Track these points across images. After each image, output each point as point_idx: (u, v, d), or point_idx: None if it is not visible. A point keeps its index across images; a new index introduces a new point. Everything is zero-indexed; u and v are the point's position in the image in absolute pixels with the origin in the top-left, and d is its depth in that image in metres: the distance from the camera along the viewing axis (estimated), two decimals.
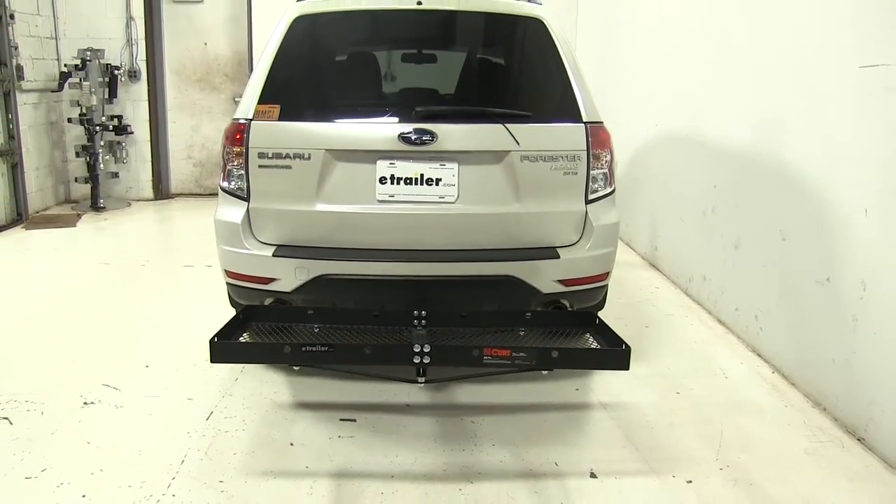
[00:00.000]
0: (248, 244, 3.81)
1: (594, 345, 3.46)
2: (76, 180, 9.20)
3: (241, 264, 3.85)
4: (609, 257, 4.00)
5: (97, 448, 3.41)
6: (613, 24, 8.16)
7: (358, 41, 4.39)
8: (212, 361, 3.05)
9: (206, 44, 9.67)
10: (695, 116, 5.92)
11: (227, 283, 3.99)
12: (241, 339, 3.38)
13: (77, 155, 8.96)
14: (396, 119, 3.81)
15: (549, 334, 3.64)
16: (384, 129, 3.75)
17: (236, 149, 3.80)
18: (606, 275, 4.04)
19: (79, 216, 8.58)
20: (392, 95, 5.49)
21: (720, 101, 5.44)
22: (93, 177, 8.95)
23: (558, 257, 3.82)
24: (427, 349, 3.04)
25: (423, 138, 3.70)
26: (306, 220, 3.82)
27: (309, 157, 3.73)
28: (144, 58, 9.38)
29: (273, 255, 3.76)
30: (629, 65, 7.59)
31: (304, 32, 3.95)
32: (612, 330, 3.38)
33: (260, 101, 3.80)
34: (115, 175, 9.45)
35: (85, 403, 3.84)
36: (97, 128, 8.80)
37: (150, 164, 9.70)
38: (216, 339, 3.07)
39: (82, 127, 8.82)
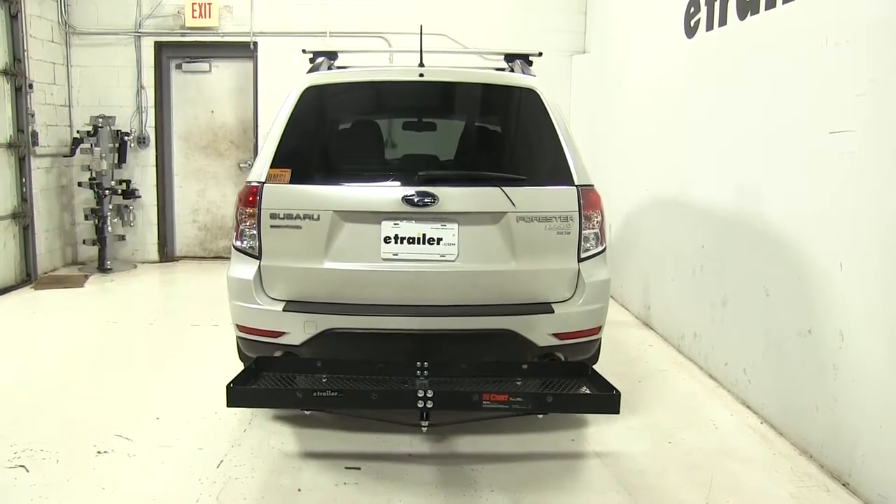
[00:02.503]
0: (260, 300, 4.01)
1: (583, 390, 3.65)
2: (84, 242, 9.38)
3: (252, 319, 4.04)
4: (601, 312, 4.20)
5: (112, 494, 3.56)
6: (605, 95, 8.44)
7: (364, 110, 4.68)
8: (228, 405, 3.25)
9: (212, 112, 9.94)
10: (682, 182, 6.14)
11: (238, 337, 4.18)
12: (254, 386, 3.57)
13: (86, 218, 9.14)
14: (400, 182, 4.03)
15: (543, 384, 3.82)
16: (389, 192, 3.98)
17: (249, 210, 4.02)
18: (599, 329, 4.23)
19: (86, 277, 8.75)
20: (396, 161, 5.74)
21: (703, 168, 5.68)
22: (100, 239, 9.13)
23: (553, 312, 4.02)
24: (430, 394, 3.24)
25: (426, 200, 3.93)
26: (315, 277, 4.02)
27: (318, 218, 3.95)
28: (153, 125, 9.64)
29: (283, 310, 3.95)
30: (620, 134, 7.85)
31: (314, 101, 4.21)
32: (603, 378, 3.57)
33: (272, 165, 4.03)
34: (122, 238, 9.61)
35: (99, 452, 3.99)
36: (106, 191, 8.99)
37: (156, 227, 9.85)
38: (232, 385, 3.26)
39: (92, 191, 9.01)
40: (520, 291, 4.11)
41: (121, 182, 9.30)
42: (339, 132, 4.53)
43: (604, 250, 4.24)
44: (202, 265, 9.86)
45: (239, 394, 3.28)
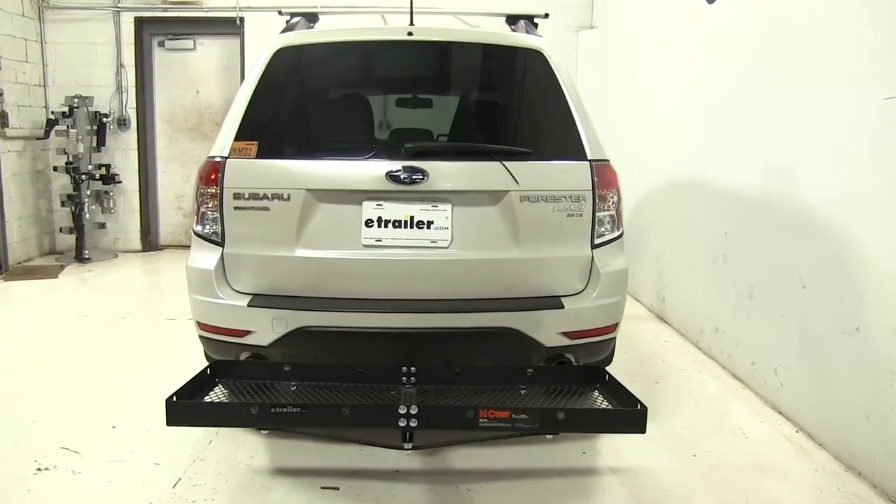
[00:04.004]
0: (222, 293, 3.50)
1: (604, 404, 3.10)
2: (61, 230, 8.90)
3: (213, 315, 3.53)
4: (618, 307, 3.68)
5: None
6: (614, 73, 7.95)
7: (343, 74, 4.11)
8: (168, 424, 2.70)
9: (197, 92, 9.45)
10: (700, 163, 5.68)
11: (200, 337, 3.66)
12: (207, 398, 3.02)
13: (62, 204, 8.67)
14: (384, 156, 3.52)
15: (551, 393, 3.30)
16: (370, 168, 3.46)
17: (210, 189, 3.51)
18: (615, 326, 3.71)
19: (62, 267, 8.27)
20: (379, 132, 5.22)
21: (725, 148, 5.21)
22: (78, 227, 8.64)
23: (562, 307, 3.49)
24: (414, 410, 2.69)
25: (414, 177, 3.40)
26: (285, 267, 3.51)
27: (288, 198, 3.44)
28: (134, 106, 9.15)
29: (248, 305, 3.44)
30: (631, 114, 7.36)
31: (287, 65, 3.70)
32: (624, 387, 3.02)
33: (237, 138, 3.53)
34: (102, 226, 9.16)
35: (39, 469, 3.47)
36: (83, 176, 8.51)
37: (138, 214, 9.40)
38: (174, 399, 2.72)
39: (68, 175, 8.54)
40: (524, 283, 3.58)
41: (100, 166, 8.80)
42: (315, 100, 3.97)
43: (620, 235, 3.71)
44: (187, 254, 9.25)
45: (181, 410, 2.73)
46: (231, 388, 3.21)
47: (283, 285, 3.53)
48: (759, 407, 4.47)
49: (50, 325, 6.06)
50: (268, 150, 3.52)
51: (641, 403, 2.84)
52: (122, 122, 9.10)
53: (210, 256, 3.54)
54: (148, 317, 6.41)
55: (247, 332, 3.45)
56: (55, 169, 8.70)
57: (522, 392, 3.28)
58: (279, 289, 3.53)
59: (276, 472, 3.51)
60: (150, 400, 4.28)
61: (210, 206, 3.52)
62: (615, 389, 3.10)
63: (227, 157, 3.50)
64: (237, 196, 3.47)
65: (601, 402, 3.13)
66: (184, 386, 2.95)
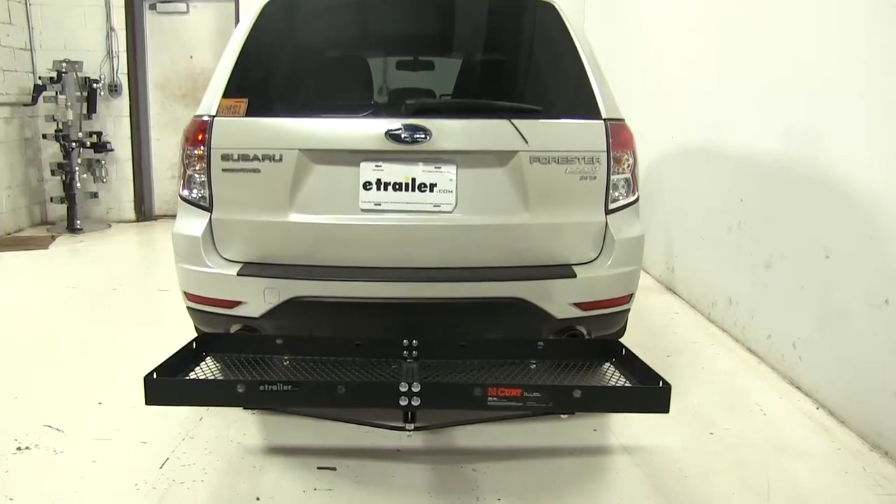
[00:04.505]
0: (210, 261, 3.27)
1: (619, 381, 2.89)
2: (52, 200, 8.68)
3: (201, 285, 3.31)
4: (633, 276, 3.47)
5: None
6: (623, 34, 7.67)
7: (340, 27, 3.84)
8: (147, 403, 2.48)
9: (191, 57, 9.19)
10: (715, 127, 5.42)
11: (188, 308, 3.44)
12: (193, 374, 2.81)
13: (52, 173, 8.47)
14: (383, 114, 3.29)
15: (558, 368, 3.09)
16: (369, 126, 3.21)
17: (197, 150, 3.27)
18: (630, 297, 3.49)
19: (53, 238, 8.05)
20: (379, 88, 4.97)
21: (742, 110, 4.95)
22: (69, 196, 8.43)
23: (574, 276, 3.27)
24: (416, 388, 2.47)
25: (415, 136, 3.16)
26: (277, 234, 3.29)
27: (280, 159, 3.20)
28: (126, 71, 8.92)
29: (238, 275, 3.22)
30: (640, 76, 7.09)
31: (279, 17, 3.48)
32: (643, 363, 2.80)
33: (225, 95, 3.29)
34: (95, 195, 8.96)
35: (19, 449, 3.27)
36: (74, 144, 8.30)
37: (131, 183, 9.21)
38: (154, 376, 2.50)
39: (58, 143, 8.32)
40: (533, 250, 3.35)
41: (91, 134, 8.61)
42: (310, 54, 3.71)
43: (636, 200, 3.49)
44: None
45: (161, 388, 2.51)
46: (220, 362, 3.00)
47: (276, 253, 3.30)
48: (777, 382, 4.27)
49: (38, 297, 5.85)
50: (258, 108, 3.28)
51: (664, 381, 2.62)
52: (114, 89, 8.88)
53: (197, 222, 3.31)
54: (140, 288, 6.20)
55: (237, 303, 3.24)
56: (44, 136, 8.50)
57: (533, 367, 3.07)
58: (271, 256, 3.31)
59: (269, 452, 3.31)
60: (138, 374, 4.01)
61: (197, 168, 3.29)
62: (633, 365, 2.88)
63: (214, 116, 3.27)
64: (225, 157, 3.24)
65: (617, 378, 2.92)
66: (166, 361, 2.72)
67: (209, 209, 3.30)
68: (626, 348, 3.04)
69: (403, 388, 2.48)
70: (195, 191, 3.32)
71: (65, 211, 8.58)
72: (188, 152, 3.31)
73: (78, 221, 8.53)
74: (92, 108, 8.61)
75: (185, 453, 3.25)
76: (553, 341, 3.23)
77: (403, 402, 2.49)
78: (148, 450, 3.28)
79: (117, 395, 3.82)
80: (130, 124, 9.05)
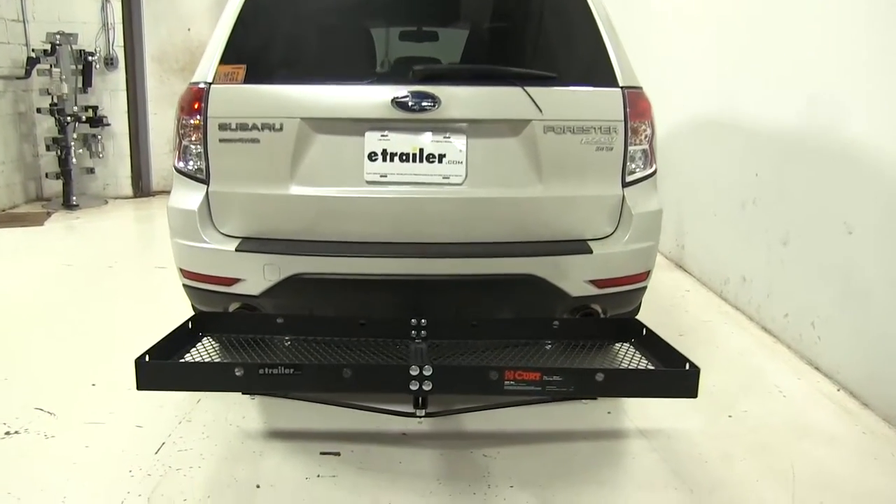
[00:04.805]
0: (207, 236, 3.11)
1: (640, 363, 2.73)
2: (47, 176, 8.50)
3: (198, 261, 3.15)
4: (651, 252, 3.32)
5: (7, 496, 2.68)
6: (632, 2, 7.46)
7: None
8: (139, 388, 2.32)
9: (189, 30, 8.98)
10: (729, 99, 5.25)
11: (184, 286, 3.29)
12: (188, 356, 2.65)
13: (48, 148, 8.27)
14: (389, 81, 3.12)
15: (572, 349, 2.94)
16: (374, 93, 3.04)
17: (193, 120, 3.11)
18: (647, 274, 3.34)
19: (48, 214, 7.88)
20: (385, 51, 4.77)
21: (759, 81, 4.77)
22: (65, 172, 8.25)
23: (591, 252, 3.11)
24: (428, 372, 2.31)
25: (423, 104, 2.99)
26: (278, 207, 3.12)
27: (281, 129, 3.03)
28: (122, 44, 8.68)
29: (236, 250, 3.06)
30: (650, 47, 6.88)
31: None
32: (667, 343, 2.65)
33: (222, 61, 3.12)
34: (91, 171, 8.78)
35: (7, 433, 3.12)
36: (69, 119, 8.10)
37: (128, 159, 9.02)
38: (146, 359, 2.34)
39: (53, 118, 8.12)
40: (547, 225, 3.19)
41: (86, 108, 8.42)
42: (311, 17, 3.51)
43: (654, 173, 3.33)
44: None
45: (153, 372, 2.34)
46: (217, 343, 2.84)
47: (276, 227, 3.14)
48: (794, 362, 4.13)
49: (32, 274, 5.69)
50: (257, 75, 3.11)
51: (691, 363, 2.46)
52: (110, 62, 8.66)
53: (193, 196, 3.15)
54: (137, 265, 6.04)
55: (235, 281, 3.08)
56: (39, 111, 8.28)
57: (548, 347, 2.92)
58: (271, 231, 3.14)
59: (270, 436, 3.16)
60: (133, 355, 3.88)
61: (193, 138, 3.12)
62: (655, 346, 2.73)
63: (211, 83, 3.10)
64: (223, 127, 3.07)
65: (638, 360, 2.76)
66: (159, 343, 2.56)
67: (206, 182, 3.13)
68: (647, 328, 2.88)
69: (414, 371, 2.31)
70: (191, 162, 3.16)
71: (60, 187, 8.38)
72: (184, 122, 3.14)
73: (74, 198, 8.34)
74: (87, 82, 8.40)
75: (181, 438, 3.11)
76: (569, 321, 3.08)
77: (414, 387, 2.32)
78: (143, 434, 3.14)
79: (112, 377, 3.67)
80: (127, 98, 8.84)
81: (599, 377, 2.29)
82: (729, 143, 5.20)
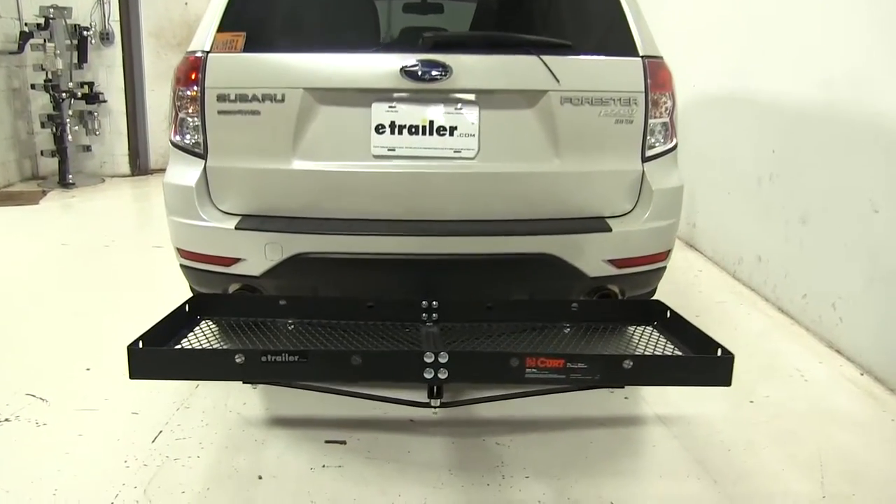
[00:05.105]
0: (205, 214, 2.97)
1: (666, 348, 2.58)
2: (42, 154, 8.33)
3: (196, 240, 3.02)
4: (671, 231, 3.19)
5: None
6: None
7: None
8: (132, 376, 2.17)
9: (186, 3, 8.83)
10: (745, 74, 5.08)
11: (181, 266, 3.15)
12: (185, 341, 2.49)
13: (42, 125, 8.11)
14: (398, 49, 2.96)
15: (587, 332, 2.79)
16: (381, 62, 2.89)
17: (190, 91, 2.96)
18: (667, 253, 3.23)
19: (44, 193, 7.72)
20: (394, 18, 4.62)
21: (777, 55, 4.61)
22: (60, 150, 8.08)
23: (610, 230, 2.96)
24: (444, 358, 2.15)
25: (433, 73, 2.84)
26: (280, 183, 2.98)
27: (283, 100, 2.88)
28: (118, 18, 8.51)
29: (236, 228, 2.92)
30: (660, 21, 6.70)
31: None
32: (694, 327, 2.49)
33: (220, 29, 2.97)
34: (88, 149, 8.62)
35: None
36: (64, 95, 7.93)
37: (126, 136, 8.86)
38: (140, 345, 2.19)
39: (48, 94, 7.95)
40: (564, 202, 3.05)
41: (82, 84, 8.25)
42: None
43: (675, 147, 3.20)
44: None
45: (148, 359, 2.18)
46: (217, 327, 2.68)
47: (278, 204, 3.00)
48: (814, 345, 3.99)
49: (26, 254, 5.53)
50: (258, 43, 2.96)
51: (723, 348, 2.31)
52: (105, 37, 8.48)
53: (191, 171, 3.00)
54: (133, 245, 5.89)
55: (235, 261, 2.95)
56: (33, 87, 8.12)
57: (567, 331, 2.77)
58: (273, 208, 3.00)
59: (272, 423, 3.02)
60: (130, 338, 3.76)
61: (190, 111, 2.98)
62: (681, 329, 2.57)
63: (208, 52, 2.95)
64: (222, 98, 2.92)
65: (664, 345, 2.61)
66: (154, 327, 2.40)
67: (204, 156, 2.99)
68: (672, 310, 2.73)
69: (429, 358, 2.15)
70: (188, 136, 3.01)
71: (56, 165, 8.23)
72: (180, 93, 3.00)
73: (70, 176, 8.18)
74: (82, 58, 8.23)
75: (179, 425, 2.96)
76: (589, 302, 2.94)
77: (429, 375, 2.17)
78: (139, 421, 2.99)
79: (107, 361, 3.52)
80: (124, 74, 8.68)
81: (627, 364, 2.14)
82: (744, 118, 5.04)
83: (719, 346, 2.33)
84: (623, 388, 2.74)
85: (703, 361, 2.32)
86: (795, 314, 4.33)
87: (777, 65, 4.58)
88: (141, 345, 2.20)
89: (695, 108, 5.88)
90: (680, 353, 2.52)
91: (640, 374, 2.18)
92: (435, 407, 2.49)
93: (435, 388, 2.45)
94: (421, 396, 2.70)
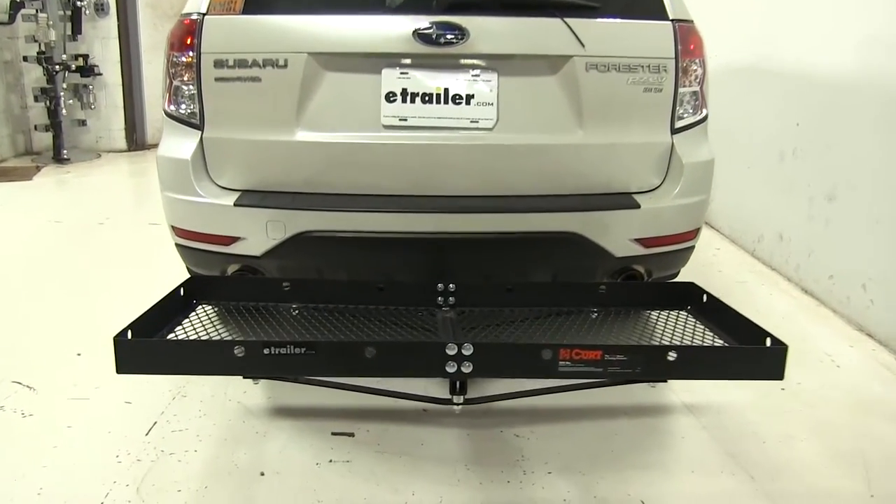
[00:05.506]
0: (202, 190, 2.78)
1: (705, 338, 2.37)
2: (35, 128, 8.12)
3: (192, 218, 2.83)
4: (702, 207, 3.00)
5: None
6: None
7: None
8: (119, 371, 1.96)
9: None
10: (768, 43, 4.86)
11: (177, 246, 2.95)
12: (179, 328, 2.28)
13: (36, 99, 7.89)
14: (409, 10, 2.72)
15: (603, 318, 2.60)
16: (392, 24, 2.68)
17: (185, 57, 2.76)
18: (696, 232, 3.04)
19: (37, 169, 7.51)
20: None
21: (805, 23, 4.39)
22: (54, 124, 7.87)
23: (638, 207, 2.76)
24: (468, 350, 1.94)
25: (449, 36, 2.64)
26: (282, 155, 2.78)
27: (286, 65, 2.68)
28: None
29: (235, 205, 2.73)
30: None
31: None
32: (737, 312, 2.28)
33: None
34: (83, 123, 8.40)
35: None
36: (58, 67, 7.70)
37: (122, 110, 8.64)
38: (129, 335, 1.97)
39: (41, 66, 7.71)
40: (588, 176, 2.85)
41: (76, 57, 8.01)
42: None
43: (705, 118, 2.98)
44: None
45: (137, 351, 1.97)
46: (215, 313, 2.48)
47: (280, 179, 2.81)
48: (843, 328, 3.80)
49: (17, 232, 5.33)
50: (258, 4, 2.74)
51: (774, 337, 2.10)
52: (100, 7, 8.27)
53: (186, 143, 2.80)
54: (129, 222, 5.68)
55: (234, 240, 2.76)
56: (25, 59, 7.88)
57: (594, 316, 2.56)
58: (275, 183, 2.81)
59: (275, 413, 2.82)
60: (124, 321, 3.57)
61: (185, 78, 2.78)
62: (721, 315, 2.35)
63: (204, 14, 2.74)
64: (219, 64, 2.71)
65: (702, 332, 2.41)
66: (145, 314, 2.17)
67: (200, 127, 2.79)
68: (709, 293, 2.52)
69: (451, 350, 1.94)
70: (183, 105, 2.81)
71: (50, 140, 8.02)
72: (174, 59, 2.80)
73: (65, 151, 7.98)
74: (77, 29, 7.99)
75: (175, 416, 2.77)
76: (618, 285, 2.75)
77: (451, 369, 1.95)
78: (132, 412, 2.80)
79: (99, 345, 3.28)
80: (120, 47, 8.45)
81: (672, 356, 1.93)
82: (766, 90, 4.82)
83: (768, 334, 2.12)
84: (666, 382, 2.54)
85: (754, 353, 2.11)
86: (821, 295, 4.14)
87: (806, 30, 4.36)
88: (130, 335, 1.98)
89: (714, 78, 5.65)
90: (722, 343, 2.31)
91: (685, 368, 1.96)
92: (458, 404, 2.28)
93: (458, 383, 2.24)
94: (437, 390, 2.51)
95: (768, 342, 2.07)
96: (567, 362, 1.88)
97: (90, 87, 8.24)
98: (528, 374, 2.14)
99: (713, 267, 4.78)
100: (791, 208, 4.48)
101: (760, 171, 4.91)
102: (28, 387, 2.97)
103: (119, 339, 1.93)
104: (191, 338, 2.31)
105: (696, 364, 2.02)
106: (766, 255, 4.82)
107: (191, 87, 2.76)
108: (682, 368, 1.94)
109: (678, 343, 2.38)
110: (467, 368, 1.94)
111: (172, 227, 2.90)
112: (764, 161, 4.84)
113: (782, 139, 4.59)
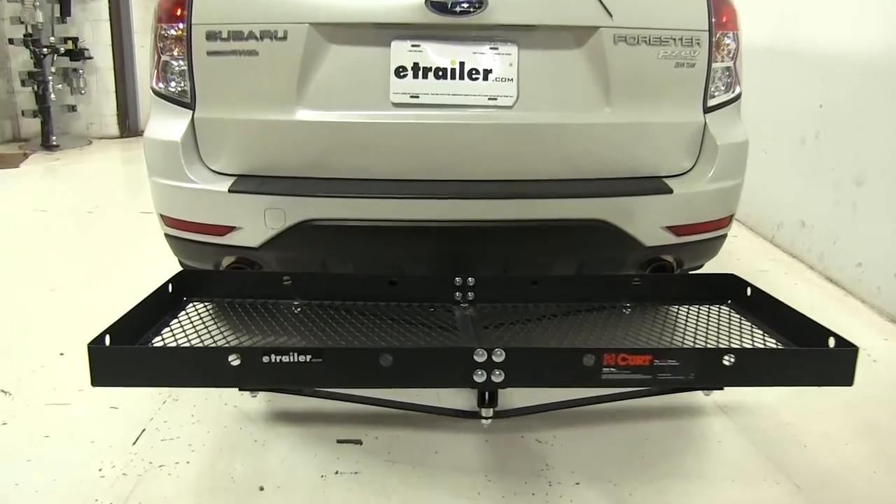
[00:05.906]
0: (194, 175, 2.56)
1: (754, 336, 2.15)
2: (23, 114, 7.90)
3: (182, 206, 2.62)
4: (736, 192, 2.81)
5: None
6: None
7: None
8: (94, 383, 1.72)
9: None
10: (789, 23, 4.67)
11: (166, 236, 2.75)
12: (166, 330, 2.05)
13: (23, 84, 7.72)
14: None
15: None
16: None
17: (174, 29, 2.53)
18: (730, 218, 2.84)
19: (25, 156, 7.31)
20: None
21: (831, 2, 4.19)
22: (43, 109, 7.68)
23: (670, 192, 2.54)
24: (499, 357, 1.71)
25: (465, 5, 2.42)
26: (282, 136, 2.56)
27: (285, 37, 2.46)
28: None
29: (230, 191, 2.51)
30: None
31: None
32: (791, 308, 2.06)
33: None
34: (73, 108, 8.24)
35: None
36: (45, 50, 7.51)
37: (114, 95, 8.47)
38: (106, 340, 1.74)
39: (28, 49, 7.52)
40: (616, 158, 2.65)
41: (65, 40, 7.82)
42: None
43: (738, 97, 2.78)
44: None
45: (114, 360, 1.73)
46: (208, 312, 2.25)
47: (280, 162, 2.60)
48: (875, 319, 3.62)
49: (1, 222, 5.10)
50: None
51: (839, 337, 1.87)
52: None
53: (176, 124, 2.59)
54: (119, 211, 5.48)
55: (229, 229, 2.55)
56: (11, 42, 7.68)
57: (626, 311, 2.35)
58: (274, 167, 2.60)
59: (275, 419, 2.60)
60: (112, 317, 3.35)
61: (174, 52, 2.56)
62: (770, 311, 2.13)
63: None
64: (212, 36, 2.49)
65: (751, 331, 2.18)
66: (126, 315, 1.93)
67: (191, 106, 2.58)
68: (754, 286, 2.30)
69: (480, 356, 1.71)
70: (173, 83, 2.60)
71: (39, 126, 7.84)
72: (163, 32, 2.57)
73: (54, 137, 7.79)
74: (65, 11, 7.81)
75: (165, 423, 2.55)
76: (653, 277, 2.53)
77: (480, 379, 1.71)
78: (118, 418, 2.58)
79: (83, 344, 3.08)
80: (111, 29, 8.26)
81: (729, 360, 1.70)
82: (786, 71, 4.64)
83: (831, 333, 1.90)
84: (722, 389, 2.32)
85: (821, 356, 1.88)
86: (848, 285, 3.96)
87: (829, 6, 4.16)
88: (108, 340, 1.74)
89: None
90: (775, 343, 2.08)
91: (744, 373, 1.73)
92: (486, 418, 2.06)
93: (487, 394, 2.02)
94: (453, 399, 2.29)
95: (831, 342, 1.84)
96: (612, 368, 1.65)
97: (80, 71, 8.07)
98: (569, 382, 1.92)
99: (731, 255, 4.58)
100: (814, 194, 4.29)
101: (779, 156, 4.72)
102: (4, 391, 2.75)
103: (94, 347, 1.68)
104: (180, 342, 2.08)
105: (755, 369, 1.79)
106: (787, 243, 4.63)
107: (181, 62, 2.54)
108: (740, 374, 1.71)
109: (727, 345, 2.15)
110: (498, 378, 1.71)
111: (161, 215, 2.69)
112: (783, 145, 4.66)
113: (803, 122, 4.42)
